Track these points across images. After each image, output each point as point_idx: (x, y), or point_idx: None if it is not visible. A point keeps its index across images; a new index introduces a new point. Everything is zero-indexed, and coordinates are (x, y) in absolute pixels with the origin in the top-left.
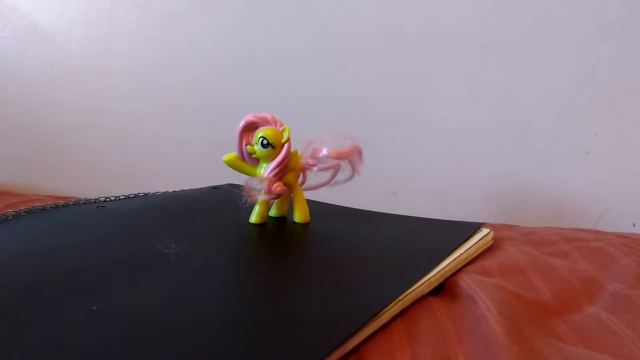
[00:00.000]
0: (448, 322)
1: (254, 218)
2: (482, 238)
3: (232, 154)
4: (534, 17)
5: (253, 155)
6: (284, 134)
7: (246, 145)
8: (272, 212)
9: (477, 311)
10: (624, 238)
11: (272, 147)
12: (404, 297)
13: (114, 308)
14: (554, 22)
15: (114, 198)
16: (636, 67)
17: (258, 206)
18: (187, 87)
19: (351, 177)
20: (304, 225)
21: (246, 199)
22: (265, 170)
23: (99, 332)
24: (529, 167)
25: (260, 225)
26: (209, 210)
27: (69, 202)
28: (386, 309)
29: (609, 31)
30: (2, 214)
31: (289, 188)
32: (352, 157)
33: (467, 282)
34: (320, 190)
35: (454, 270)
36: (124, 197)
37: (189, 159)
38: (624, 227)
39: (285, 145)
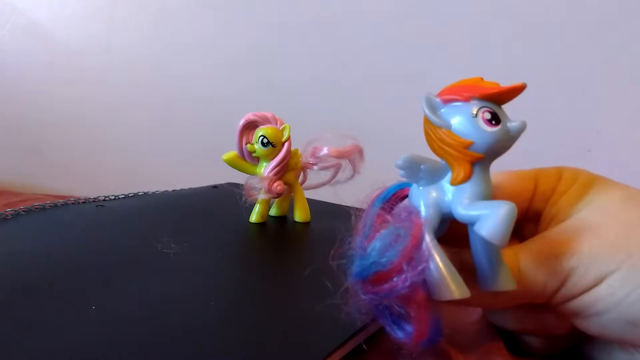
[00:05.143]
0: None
1: (254, 217)
2: None
3: (232, 153)
4: (535, 16)
5: (253, 154)
6: (284, 133)
7: (246, 144)
8: (273, 212)
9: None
10: None
11: (273, 145)
12: None
13: (113, 308)
14: (555, 19)
15: (113, 197)
16: None
17: (258, 205)
18: (186, 85)
19: (352, 177)
20: (305, 224)
21: (246, 198)
22: (266, 169)
23: (98, 332)
24: (530, 165)
25: (261, 225)
26: (209, 210)
27: (68, 202)
28: None
29: (612, 24)
30: (1, 213)
31: (290, 187)
32: (353, 156)
33: None
34: (321, 190)
35: None
36: (123, 196)
37: (188, 158)
38: None
39: (286, 144)
